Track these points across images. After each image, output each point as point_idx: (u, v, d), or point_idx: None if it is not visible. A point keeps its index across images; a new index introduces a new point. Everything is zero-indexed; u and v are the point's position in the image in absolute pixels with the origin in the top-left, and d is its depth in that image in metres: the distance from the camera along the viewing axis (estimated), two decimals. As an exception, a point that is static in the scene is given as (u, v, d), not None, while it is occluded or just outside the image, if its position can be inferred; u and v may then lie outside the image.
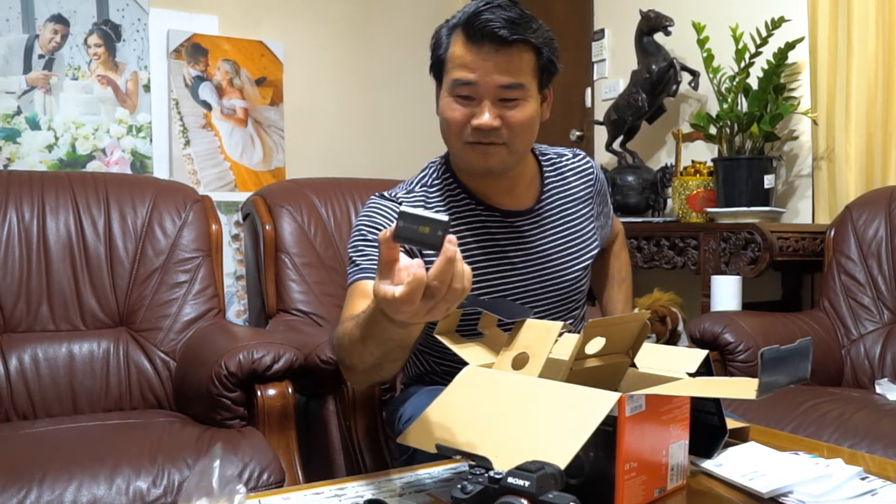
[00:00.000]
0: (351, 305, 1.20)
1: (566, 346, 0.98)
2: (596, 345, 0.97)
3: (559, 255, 1.36)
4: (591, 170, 1.45)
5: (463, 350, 1.02)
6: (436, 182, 1.34)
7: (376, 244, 1.24)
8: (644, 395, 0.87)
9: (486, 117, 1.20)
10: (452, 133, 1.25)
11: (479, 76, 1.19)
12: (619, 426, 0.84)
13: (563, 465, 0.78)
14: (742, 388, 0.86)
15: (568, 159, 1.44)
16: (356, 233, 1.29)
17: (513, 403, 0.90)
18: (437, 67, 1.27)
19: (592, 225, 1.43)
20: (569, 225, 1.39)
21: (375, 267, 1.20)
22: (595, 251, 1.43)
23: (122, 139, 2.98)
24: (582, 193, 1.42)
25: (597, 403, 0.84)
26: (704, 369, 1.03)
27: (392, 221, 1.27)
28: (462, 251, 1.27)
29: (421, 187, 1.34)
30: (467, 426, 0.90)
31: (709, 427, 1.03)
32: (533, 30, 1.20)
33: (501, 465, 0.80)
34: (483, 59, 1.18)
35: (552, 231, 1.36)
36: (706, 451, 1.02)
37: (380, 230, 1.26)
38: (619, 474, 0.85)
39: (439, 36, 1.27)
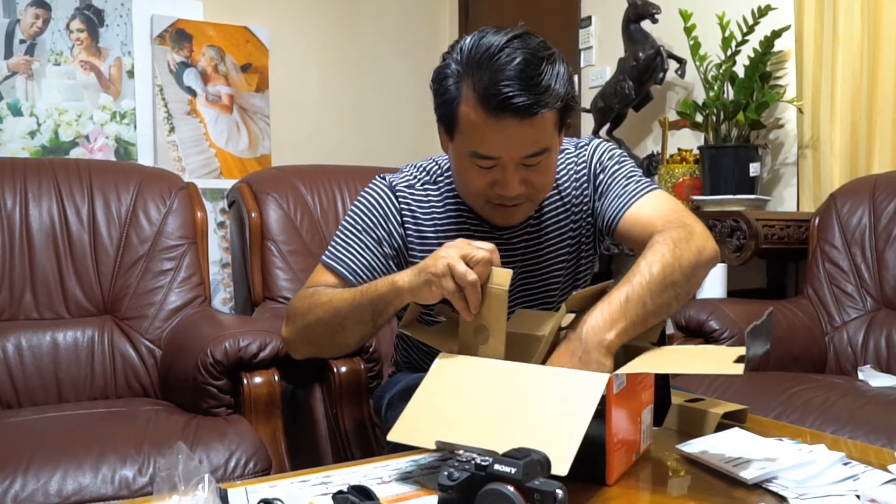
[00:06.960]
0: (324, 282, 1.23)
1: (540, 321, 1.01)
2: (567, 319, 1.01)
3: (543, 267, 1.31)
4: (584, 164, 1.31)
5: (431, 338, 1.05)
6: (440, 180, 1.30)
7: (366, 242, 1.24)
8: (626, 374, 0.89)
9: (511, 187, 1.13)
10: (471, 195, 1.19)
11: (502, 150, 1.10)
12: (608, 405, 0.86)
13: (564, 470, 0.78)
14: (720, 360, 0.89)
15: (569, 154, 1.32)
16: (353, 216, 1.28)
17: (503, 391, 0.90)
18: (447, 119, 1.15)
19: (583, 233, 1.33)
20: (558, 237, 1.31)
21: (356, 269, 1.22)
22: (588, 266, 1.36)
23: (105, 126, 2.95)
24: (576, 196, 1.31)
25: (587, 388, 0.85)
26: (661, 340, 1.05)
27: (387, 213, 1.26)
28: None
29: (422, 185, 1.29)
30: (461, 419, 0.90)
31: (657, 398, 1.05)
32: (554, 87, 1.07)
33: None
34: (506, 134, 1.08)
35: (539, 244, 1.30)
36: (656, 420, 1.05)
37: (372, 224, 1.26)
38: (609, 449, 0.86)
39: (444, 82, 1.13)
